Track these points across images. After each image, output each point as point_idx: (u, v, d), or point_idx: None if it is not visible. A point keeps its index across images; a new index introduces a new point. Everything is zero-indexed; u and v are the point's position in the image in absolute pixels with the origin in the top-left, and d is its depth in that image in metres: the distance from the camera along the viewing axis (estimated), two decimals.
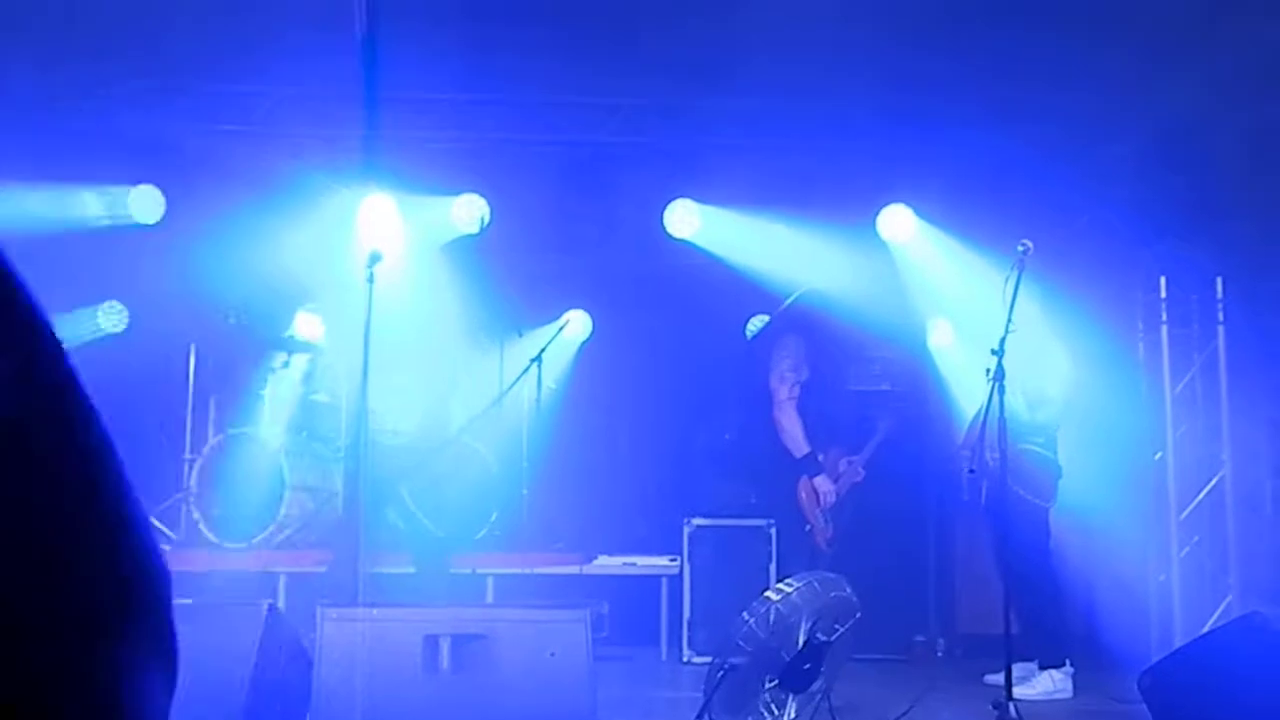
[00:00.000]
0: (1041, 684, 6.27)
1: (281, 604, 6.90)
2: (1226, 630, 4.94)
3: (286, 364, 7.58)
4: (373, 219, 7.82)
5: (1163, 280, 7.34)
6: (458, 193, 8.10)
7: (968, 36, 6.20)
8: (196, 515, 7.25)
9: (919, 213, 7.91)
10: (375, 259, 5.58)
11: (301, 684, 4.41)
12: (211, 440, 7.50)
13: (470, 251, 8.11)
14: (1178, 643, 6.43)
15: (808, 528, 7.65)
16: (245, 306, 7.30)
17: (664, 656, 7.53)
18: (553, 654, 4.48)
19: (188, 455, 7.65)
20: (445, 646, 4.43)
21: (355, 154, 7.46)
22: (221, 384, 7.85)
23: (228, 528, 7.17)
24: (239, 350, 7.65)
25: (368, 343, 5.55)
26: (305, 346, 7.63)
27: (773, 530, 7.47)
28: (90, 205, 8.06)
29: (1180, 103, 6.73)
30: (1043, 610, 6.38)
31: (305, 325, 7.74)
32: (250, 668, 4.35)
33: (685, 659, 7.28)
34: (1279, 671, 4.37)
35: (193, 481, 7.35)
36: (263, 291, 7.50)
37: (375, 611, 4.54)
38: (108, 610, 0.66)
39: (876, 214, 8.03)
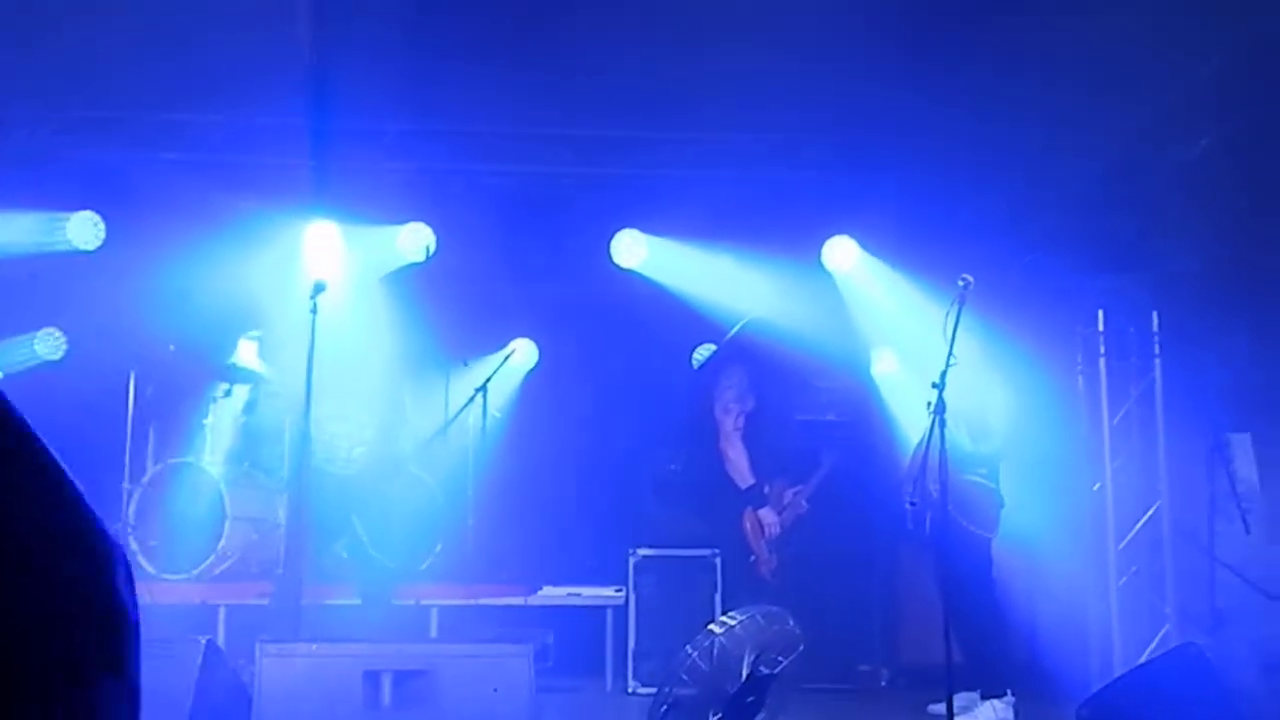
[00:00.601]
0: (983, 714, 6.32)
1: (221, 637, 6.79)
2: (1162, 661, 5.03)
3: (229, 392, 7.49)
4: (318, 247, 7.77)
5: (1101, 314, 7.46)
6: (404, 221, 8.07)
7: (913, 74, 6.29)
8: (134, 546, 7.12)
9: (863, 245, 7.99)
10: (319, 289, 5.56)
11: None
12: (151, 470, 7.39)
13: (416, 280, 8.07)
14: (1117, 672, 6.51)
15: (752, 559, 7.69)
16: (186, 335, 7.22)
17: (609, 688, 7.49)
18: (496, 689, 4.45)
19: (126, 485, 7.51)
20: (387, 683, 4.40)
21: (301, 183, 7.42)
22: (161, 413, 7.72)
23: (166, 559, 7.06)
24: (180, 378, 7.54)
25: (311, 372, 5.51)
26: (248, 375, 7.54)
27: (718, 561, 7.48)
28: (28, 231, 7.93)
29: (1119, 140, 6.87)
30: (985, 640, 6.44)
31: (248, 353, 7.66)
32: (188, 705, 4.29)
33: (630, 690, 7.25)
34: (1212, 702, 4.45)
35: (130, 512, 7.23)
36: (205, 319, 7.42)
37: (315, 647, 4.50)
38: (90, 659, 0.67)
39: (821, 246, 8.10)
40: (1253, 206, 6.80)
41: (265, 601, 6.51)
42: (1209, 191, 6.91)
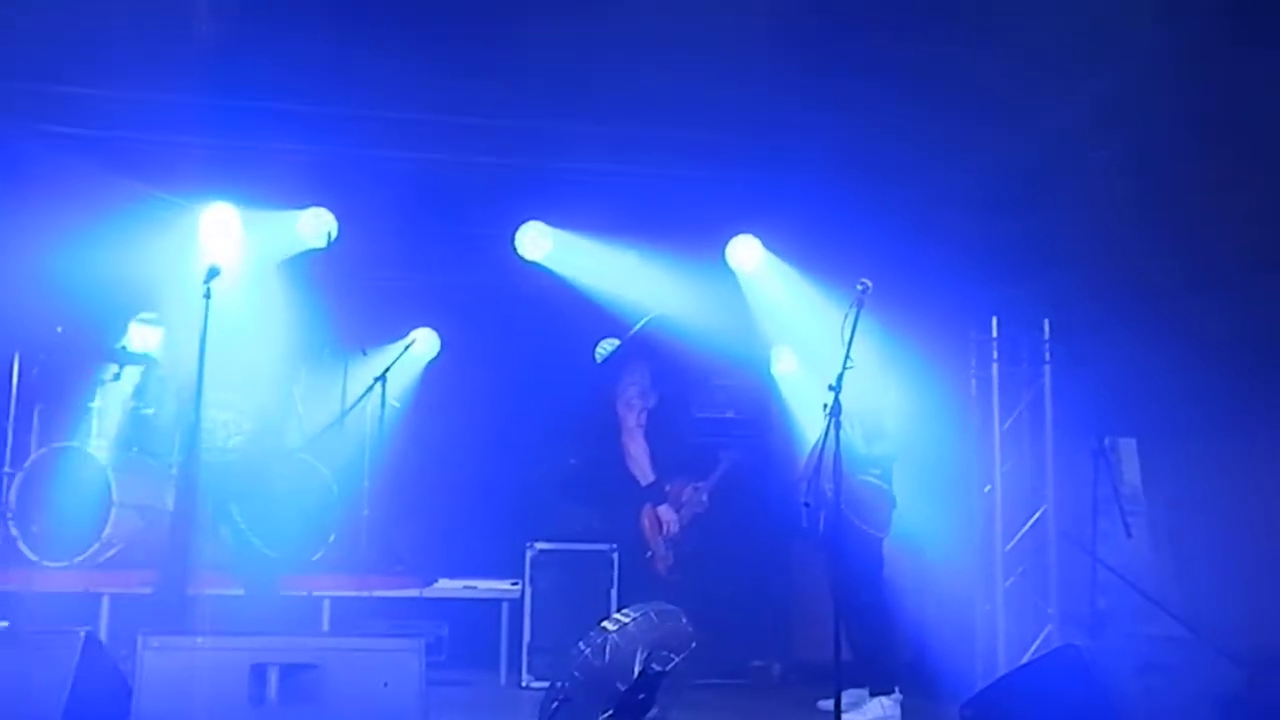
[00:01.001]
0: (871, 710, 6.44)
1: (104, 626, 6.64)
2: (1042, 662, 5.16)
3: (118, 376, 7.28)
4: (215, 230, 7.60)
5: (994, 320, 7.63)
6: (305, 206, 7.91)
7: (816, 80, 6.36)
8: (15, 532, 6.89)
9: (767, 245, 8.05)
10: (213, 274, 5.44)
11: (119, 716, 4.23)
12: (34, 454, 7.15)
13: (317, 267, 7.94)
14: (1001, 671, 6.67)
15: (649, 554, 7.72)
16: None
17: (503, 681, 7.46)
18: (386, 684, 4.40)
19: (8, 469, 7.27)
20: (274, 677, 4.32)
21: (199, 164, 7.24)
22: (47, 395, 7.47)
23: (48, 546, 6.84)
24: (67, 360, 7.32)
25: (203, 358, 5.40)
26: (138, 358, 7.35)
27: (615, 555, 7.50)
28: None
29: (1012, 152, 7.02)
30: (874, 638, 6.56)
31: (139, 337, 7.46)
32: (64, 698, 4.17)
33: (525, 684, 7.24)
34: (1088, 701, 4.59)
35: (12, 497, 6.99)
36: (95, 301, 7.22)
37: (200, 639, 4.39)
38: None
39: (725, 244, 8.15)
40: (1139, 220, 7.00)
41: (149, 590, 6.36)
42: (1099, 205, 7.10)
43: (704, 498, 7.74)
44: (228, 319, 6.18)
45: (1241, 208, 6.88)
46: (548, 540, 7.52)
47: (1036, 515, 7.55)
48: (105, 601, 6.77)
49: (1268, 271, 7.15)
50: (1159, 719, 4.82)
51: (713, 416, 8.28)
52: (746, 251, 8.11)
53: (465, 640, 7.75)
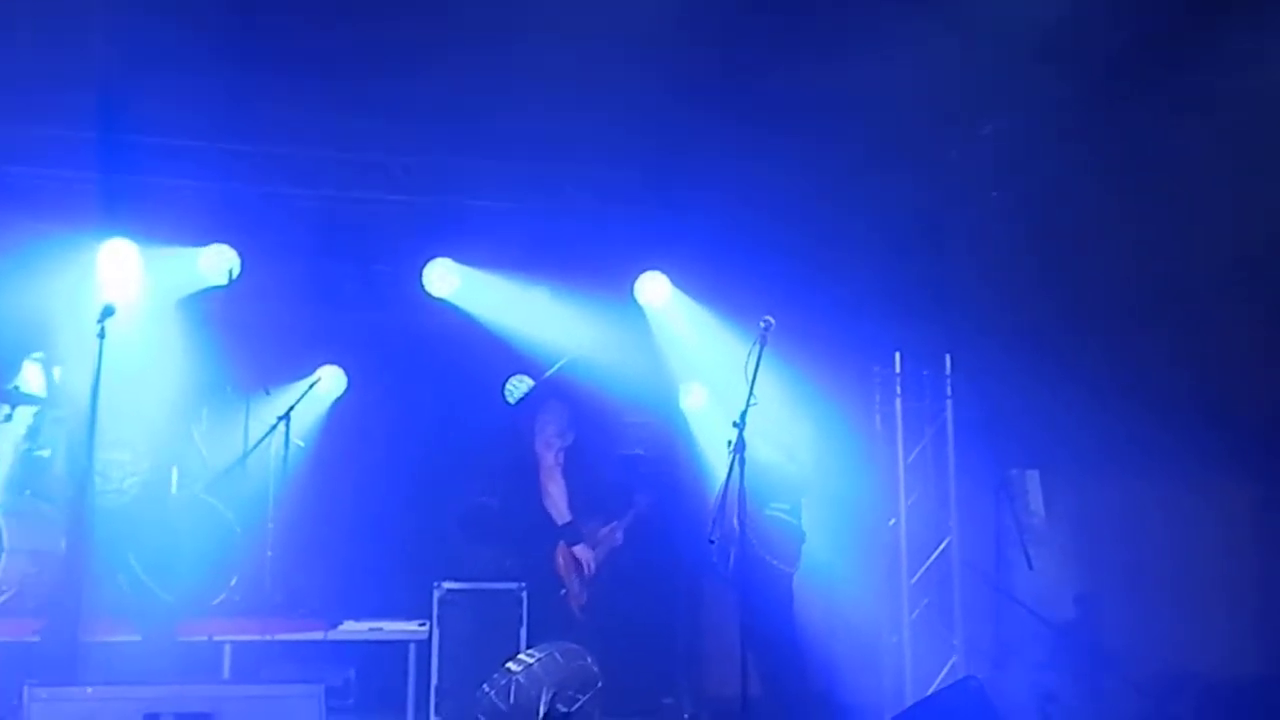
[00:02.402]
0: None
1: None
2: (943, 695, 5.23)
3: (9, 417, 7.07)
4: (112, 267, 7.42)
5: (897, 356, 7.76)
6: (206, 243, 7.77)
7: (718, 123, 6.45)
8: None
9: (674, 281, 8.09)
10: (108, 313, 5.31)
11: None
12: None
13: (218, 304, 7.79)
14: (909, 701, 6.74)
15: (563, 592, 7.67)
16: None
17: None
18: None
19: None
20: None
21: (93, 198, 7.08)
22: None
23: None
24: None
25: (96, 398, 5.26)
26: (31, 399, 7.14)
27: (524, 594, 7.42)
28: None
29: (913, 192, 7.18)
30: (784, 672, 6.58)
31: (32, 376, 7.26)
32: None
33: None
34: None
35: None
36: None
37: (90, 690, 4.27)
38: None
39: (634, 280, 8.18)
40: (1032, 262, 7.19)
41: (38, 639, 6.14)
42: (994, 246, 7.28)
43: (619, 534, 7.71)
44: (126, 357, 6.04)
45: (1129, 249, 7.11)
46: (455, 580, 7.43)
47: (941, 547, 7.67)
48: None
49: (1156, 312, 7.39)
50: None
51: (624, 454, 8.27)
52: (655, 288, 8.13)
53: (372, 683, 7.61)
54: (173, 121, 6.97)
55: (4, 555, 6.61)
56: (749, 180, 7.38)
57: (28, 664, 5.87)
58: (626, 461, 8.25)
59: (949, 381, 7.72)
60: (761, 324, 5.44)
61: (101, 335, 5.28)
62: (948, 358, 7.71)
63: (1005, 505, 7.29)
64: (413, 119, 7.00)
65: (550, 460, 7.29)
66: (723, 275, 7.76)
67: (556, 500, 7.26)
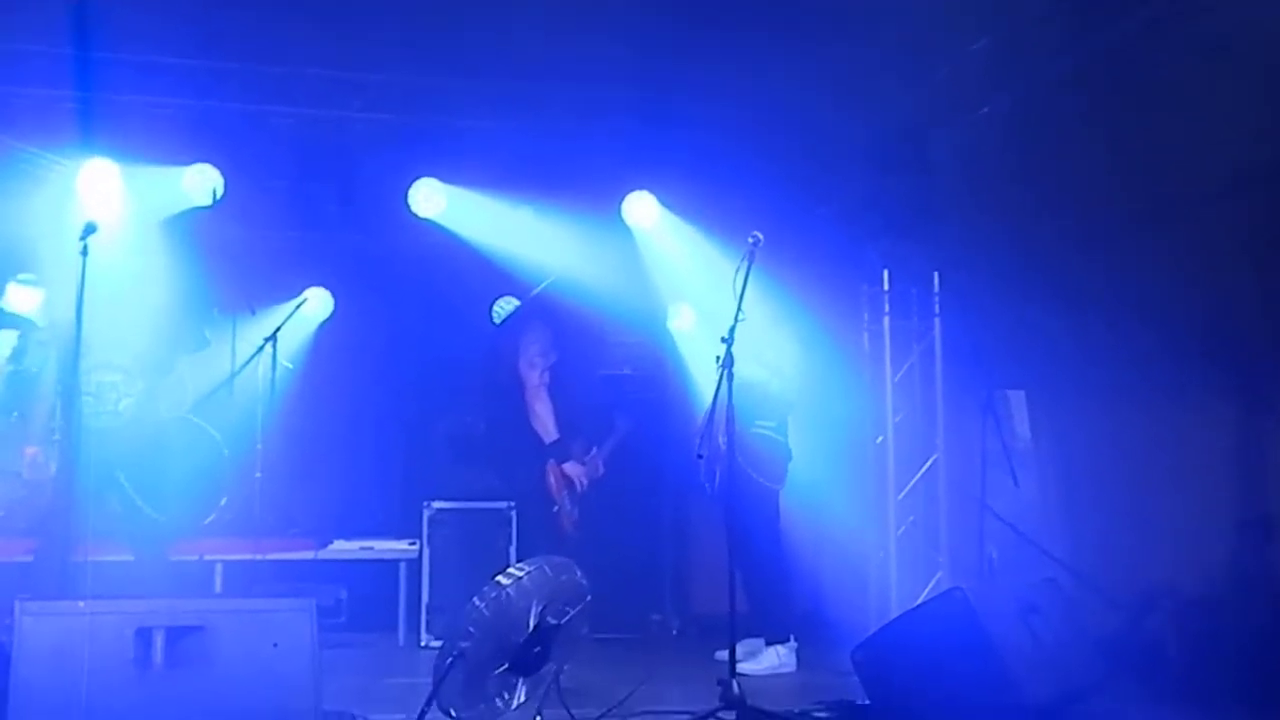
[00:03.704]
0: (767, 659, 6.55)
1: None
2: (929, 606, 5.28)
3: None
4: (94, 187, 7.34)
5: (886, 274, 7.75)
6: (189, 163, 7.69)
7: (705, 33, 6.36)
8: None
9: (662, 201, 8.04)
10: (90, 230, 5.24)
11: None
12: None
13: (202, 224, 7.73)
14: (894, 617, 6.81)
15: (555, 509, 7.72)
16: None
17: (402, 642, 7.44)
18: (275, 645, 4.33)
19: None
20: (159, 640, 4.22)
21: (73, 117, 6.98)
22: None
23: None
24: None
25: (80, 318, 5.21)
26: (16, 321, 7.10)
27: (513, 513, 7.49)
28: None
29: (901, 107, 7.11)
30: (770, 589, 6.65)
31: (17, 298, 7.21)
32: None
33: (424, 644, 7.22)
34: (971, 641, 4.71)
35: None
36: None
37: (82, 604, 4.28)
38: None
39: (621, 200, 8.13)
40: (1023, 176, 7.14)
41: (30, 559, 6.18)
42: (984, 161, 7.22)
43: (600, 465, 7.74)
44: (110, 278, 5.99)
45: (1120, 166, 7.06)
46: (445, 499, 7.48)
47: (927, 465, 7.72)
48: None
49: (1147, 230, 7.35)
50: (1041, 658, 4.95)
51: (611, 374, 8.29)
52: (642, 208, 8.08)
53: (363, 602, 7.70)
54: (152, 38, 6.85)
55: None
56: (736, 99, 7.30)
57: (22, 583, 5.93)
58: (610, 381, 8.26)
59: (937, 299, 7.71)
60: (750, 239, 5.42)
61: (84, 253, 5.22)
62: (936, 275, 7.69)
63: (993, 424, 7.32)
64: (394, 36, 6.88)
65: (535, 380, 7.28)
66: (711, 194, 7.71)
67: (544, 419, 7.27)
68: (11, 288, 7.20)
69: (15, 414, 7.02)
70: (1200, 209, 7.03)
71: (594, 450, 7.67)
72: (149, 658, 4.19)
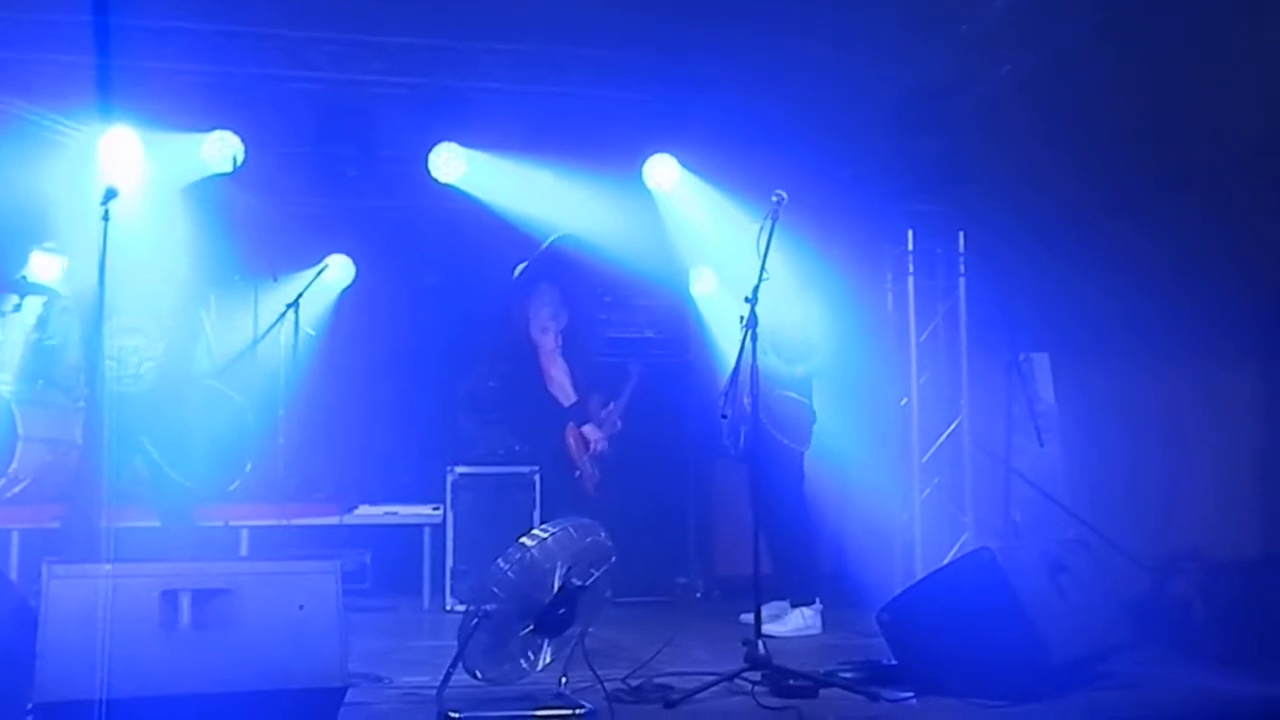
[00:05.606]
0: (792, 621, 6.54)
1: (14, 562, 6.51)
2: (955, 566, 5.25)
3: (19, 307, 7.08)
4: (115, 154, 7.33)
5: (910, 234, 7.67)
6: (209, 129, 7.67)
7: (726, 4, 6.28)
8: None
9: (684, 163, 7.98)
10: (110, 195, 5.24)
11: (26, 646, 4.14)
12: None
13: (224, 191, 7.71)
14: (918, 578, 6.78)
15: (577, 474, 7.73)
16: None
17: (427, 606, 7.46)
18: (301, 607, 4.34)
19: None
20: (185, 602, 4.22)
21: (93, 85, 6.96)
22: None
23: None
24: None
25: (103, 284, 5.21)
26: (40, 289, 7.13)
27: (537, 477, 7.48)
28: None
29: (925, 65, 7.01)
30: (795, 551, 6.63)
31: (40, 266, 7.23)
32: None
33: (449, 608, 7.24)
34: (999, 601, 4.68)
35: None
36: None
37: (108, 567, 4.29)
38: None
39: (642, 163, 8.07)
40: (1049, 135, 7.05)
41: (58, 525, 6.22)
42: (1010, 120, 7.13)
43: (618, 419, 7.72)
44: (131, 245, 5.99)
45: (1151, 123, 6.96)
46: (468, 464, 7.49)
47: (952, 427, 7.67)
48: (15, 537, 6.64)
49: (1179, 191, 7.26)
50: (1068, 617, 4.92)
51: (632, 336, 8.25)
52: (664, 171, 8.02)
53: (388, 566, 7.72)
54: (171, 4, 6.82)
55: (20, 444, 6.67)
56: (757, 60, 7.23)
57: (49, 548, 5.96)
58: (632, 343, 8.23)
59: (962, 259, 7.63)
60: (774, 198, 5.37)
61: (105, 218, 5.22)
62: (961, 235, 7.61)
63: (1018, 386, 7.26)
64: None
65: (550, 344, 7.29)
66: (734, 157, 7.64)
67: (561, 382, 7.28)
68: (35, 256, 7.22)
69: (40, 382, 7.06)
70: (1234, 168, 6.93)
71: (610, 405, 7.65)
72: (175, 620, 4.19)
